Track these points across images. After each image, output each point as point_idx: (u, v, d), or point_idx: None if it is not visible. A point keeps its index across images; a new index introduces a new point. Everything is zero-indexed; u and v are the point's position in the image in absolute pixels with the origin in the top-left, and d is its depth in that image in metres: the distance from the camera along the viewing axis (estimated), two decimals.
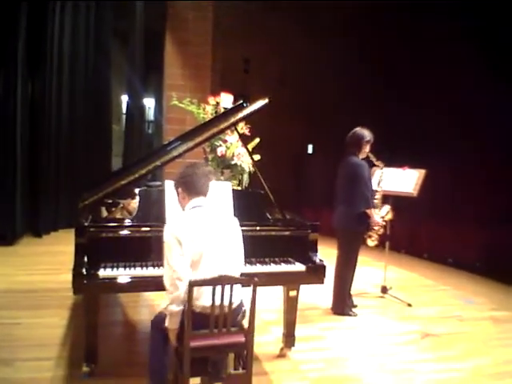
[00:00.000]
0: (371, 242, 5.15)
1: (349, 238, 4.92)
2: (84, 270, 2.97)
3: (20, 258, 6.45)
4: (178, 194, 2.98)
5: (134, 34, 9.18)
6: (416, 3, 8.83)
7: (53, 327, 4.14)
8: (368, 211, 4.82)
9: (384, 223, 5.10)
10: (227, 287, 2.60)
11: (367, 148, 4.93)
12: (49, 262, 6.30)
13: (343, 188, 4.91)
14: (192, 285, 2.56)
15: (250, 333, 2.71)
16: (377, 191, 5.12)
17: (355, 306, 5.12)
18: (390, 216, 5.20)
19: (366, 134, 4.89)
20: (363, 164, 4.86)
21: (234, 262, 2.84)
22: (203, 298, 2.66)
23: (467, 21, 7.82)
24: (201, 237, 2.71)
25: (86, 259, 3.04)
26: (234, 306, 2.75)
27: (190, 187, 2.89)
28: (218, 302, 2.58)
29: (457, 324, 4.89)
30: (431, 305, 5.49)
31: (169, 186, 3.37)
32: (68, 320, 4.36)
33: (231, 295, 2.62)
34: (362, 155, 4.94)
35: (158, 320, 2.89)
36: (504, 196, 7.21)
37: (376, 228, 5.05)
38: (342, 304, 4.97)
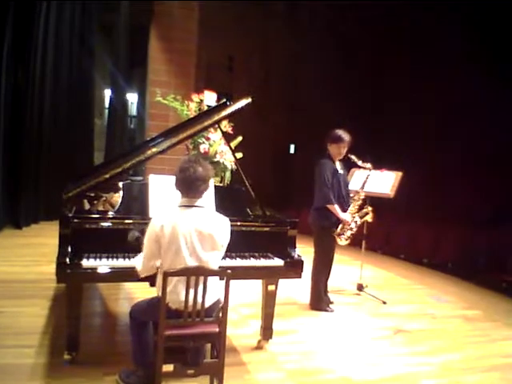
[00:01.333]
0: (341, 241, 5.09)
1: (318, 233, 5.06)
2: (68, 260, 3.04)
3: (1, 250, 6.44)
4: (175, 185, 2.96)
5: (119, 29, 9.20)
6: (412, 3, 8.88)
7: (34, 316, 4.18)
8: (330, 207, 4.88)
9: (358, 223, 5.16)
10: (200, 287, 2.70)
11: (336, 149, 4.97)
12: (30, 253, 6.31)
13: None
14: (167, 275, 2.66)
15: (222, 323, 2.81)
16: (357, 192, 5.22)
17: (332, 303, 5.23)
18: (369, 218, 5.26)
19: (334, 134, 4.95)
20: (325, 162, 4.96)
21: (211, 263, 2.89)
22: (178, 298, 2.77)
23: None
24: (181, 237, 2.78)
25: (69, 249, 3.10)
26: (210, 303, 2.85)
27: (186, 186, 2.88)
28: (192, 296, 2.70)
29: (429, 321, 5.04)
30: (405, 303, 5.64)
31: (153, 180, 3.45)
32: (49, 310, 4.40)
33: (205, 286, 2.70)
34: (335, 156, 5.01)
35: (136, 309, 3.03)
36: (477, 200, 7.42)
37: (347, 227, 5.05)
38: (319, 300, 5.09)
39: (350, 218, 5.04)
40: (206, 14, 9.45)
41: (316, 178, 4.99)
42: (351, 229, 5.07)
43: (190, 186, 2.86)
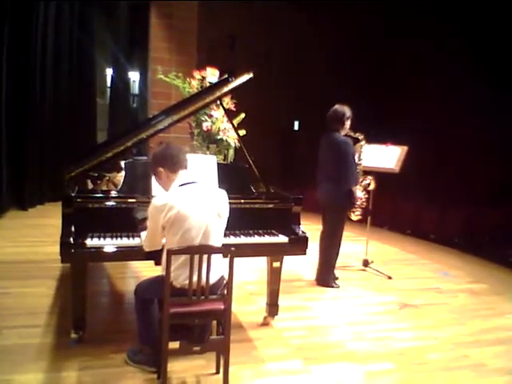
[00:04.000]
0: (355, 217, 5.34)
1: (336, 213, 5.02)
2: (71, 240, 3.03)
3: (7, 231, 6.48)
4: (159, 176, 2.96)
5: (119, 7, 9.10)
6: None
7: (40, 296, 4.21)
8: (353, 188, 4.93)
9: (366, 196, 5.25)
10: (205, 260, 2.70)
11: (348, 124, 5.01)
12: (35, 234, 6.35)
13: (330, 165, 4.94)
14: (170, 253, 2.64)
15: (228, 300, 2.81)
16: (358, 165, 5.23)
17: (337, 278, 5.23)
18: (372, 186, 5.37)
19: (347, 110, 4.96)
20: (350, 142, 4.94)
21: (216, 238, 2.90)
22: (183, 277, 2.76)
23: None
24: (186, 215, 2.77)
25: (73, 229, 3.10)
26: (214, 280, 2.85)
27: (172, 162, 2.91)
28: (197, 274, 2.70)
29: (435, 296, 5.04)
30: (411, 277, 5.64)
31: None
32: (55, 290, 4.42)
33: (209, 264, 2.70)
34: (344, 131, 5.02)
35: (141, 287, 3.05)
36: (483, 175, 7.36)
37: (359, 202, 5.20)
38: (328, 276, 5.10)
39: (361, 193, 5.11)
40: None
41: (338, 157, 4.86)
42: (362, 204, 5.23)
43: (175, 160, 2.91)
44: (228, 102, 4.77)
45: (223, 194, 3.00)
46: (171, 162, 2.91)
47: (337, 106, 4.99)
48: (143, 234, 3.00)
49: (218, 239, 2.91)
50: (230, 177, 3.73)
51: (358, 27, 9.65)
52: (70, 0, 8.40)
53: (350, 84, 9.02)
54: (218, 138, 4.82)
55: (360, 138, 5.21)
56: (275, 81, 10.55)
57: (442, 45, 7.99)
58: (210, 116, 4.78)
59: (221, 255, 2.90)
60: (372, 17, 9.36)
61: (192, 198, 2.82)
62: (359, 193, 5.09)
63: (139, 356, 3.12)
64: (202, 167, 3.58)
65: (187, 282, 2.71)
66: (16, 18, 7.43)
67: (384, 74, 9.23)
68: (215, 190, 3.02)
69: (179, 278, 2.78)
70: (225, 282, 2.94)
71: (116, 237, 3.20)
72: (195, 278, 2.69)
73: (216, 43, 10.34)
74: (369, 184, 5.32)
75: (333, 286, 5.08)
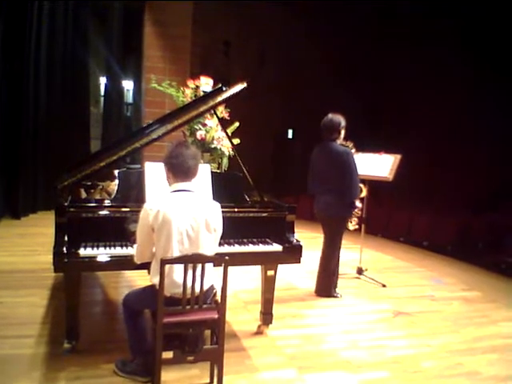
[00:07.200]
0: (352, 226, 5.37)
1: (339, 225, 4.96)
2: (65, 249, 3.02)
3: None
4: (165, 173, 2.98)
5: (113, 15, 9.11)
6: None
7: (33, 306, 4.19)
8: (356, 199, 4.94)
9: (360, 204, 5.27)
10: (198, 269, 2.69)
11: (343, 134, 4.96)
12: (28, 243, 6.32)
13: (332, 177, 4.82)
14: (164, 263, 2.64)
15: (222, 309, 2.80)
16: None
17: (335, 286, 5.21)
18: (364, 193, 5.41)
19: (342, 119, 4.90)
20: (351, 152, 4.90)
21: (205, 247, 2.87)
22: (170, 286, 2.75)
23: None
24: (173, 222, 2.76)
25: (66, 238, 3.09)
26: (204, 290, 2.82)
27: (176, 170, 2.88)
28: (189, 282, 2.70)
29: (429, 303, 5.04)
30: (405, 285, 5.64)
31: (149, 167, 3.42)
32: (48, 299, 4.40)
33: (203, 273, 2.69)
34: (339, 141, 4.97)
35: (130, 299, 3.05)
36: (475, 183, 7.41)
37: (355, 211, 5.23)
38: (329, 288, 5.04)
39: (358, 203, 5.14)
40: None
41: (342, 168, 4.76)
42: (357, 213, 5.27)
43: (181, 169, 2.87)
44: (222, 111, 4.78)
45: (216, 206, 2.98)
46: (176, 170, 2.89)
47: (332, 115, 4.89)
48: (136, 246, 3.00)
49: (208, 249, 2.89)
50: (224, 185, 3.73)
51: (353, 32, 9.70)
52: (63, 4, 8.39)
53: (345, 92, 9.06)
54: (212, 146, 4.82)
55: (350, 146, 5.21)
56: (269, 89, 10.58)
57: (432, 44, 8.06)
58: (204, 125, 4.79)
59: (211, 264, 2.88)
60: (363, 23, 9.43)
61: (180, 205, 2.81)
62: (357, 202, 5.09)
63: (129, 366, 3.10)
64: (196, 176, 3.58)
65: (176, 290, 2.72)
66: (9, 24, 7.43)
67: (376, 80, 9.30)
68: (208, 202, 2.99)
69: (169, 287, 2.76)
70: (214, 291, 2.96)
71: (109, 246, 3.20)
72: (186, 287, 2.69)
73: (210, 49, 10.37)
74: (361, 191, 5.31)
75: (335, 296, 5.04)
